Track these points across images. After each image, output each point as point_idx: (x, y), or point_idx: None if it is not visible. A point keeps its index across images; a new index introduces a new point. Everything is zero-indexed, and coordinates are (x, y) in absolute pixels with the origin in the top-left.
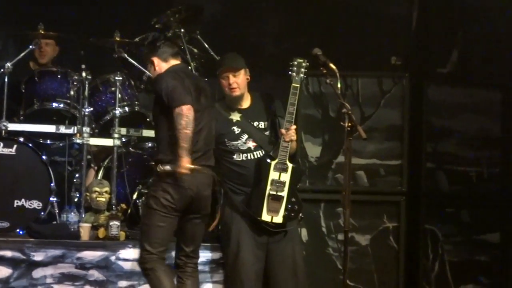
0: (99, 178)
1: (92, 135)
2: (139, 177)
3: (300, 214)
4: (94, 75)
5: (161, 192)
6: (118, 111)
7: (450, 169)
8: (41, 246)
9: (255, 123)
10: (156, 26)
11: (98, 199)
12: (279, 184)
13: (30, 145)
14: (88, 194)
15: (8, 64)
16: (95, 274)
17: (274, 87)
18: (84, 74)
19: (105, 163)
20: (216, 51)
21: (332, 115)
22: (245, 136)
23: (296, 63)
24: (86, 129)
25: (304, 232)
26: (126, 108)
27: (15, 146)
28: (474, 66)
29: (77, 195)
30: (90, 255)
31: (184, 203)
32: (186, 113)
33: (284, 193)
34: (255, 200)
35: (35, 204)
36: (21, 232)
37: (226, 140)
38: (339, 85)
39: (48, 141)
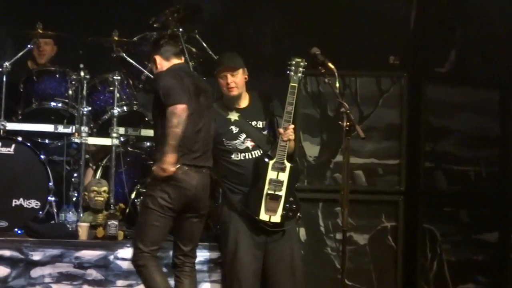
0: (97, 177)
1: (90, 134)
2: (138, 176)
3: (298, 214)
4: (93, 74)
5: (159, 192)
6: (116, 111)
7: (448, 168)
8: (39, 246)
9: (253, 123)
10: (155, 25)
11: (96, 198)
12: (277, 183)
13: (29, 144)
14: (86, 193)
15: (7, 64)
16: (93, 274)
17: (273, 86)
18: (82, 73)
19: (103, 162)
20: (214, 50)
21: (330, 114)
22: (243, 136)
23: (294, 62)
24: (85, 129)
25: (302, 232)
26: (125, 108)
27: (13, 146)
28: (473, 65)
29: (76, 195)
30: (88, 254)
31: (181, 203)
32: (179, 112)
33: (282, 193)
34: (253, 200)
35: (33, 203)
36: (19, 232)
37: (224, 139)
38: (337, 85)
39: (47, 141)
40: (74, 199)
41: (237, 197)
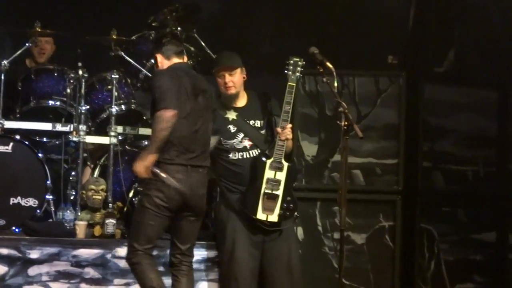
0: (95, 176)
1: (88, 133)
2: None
3: (296, 213)
4: (91, 73)
5: (155, 191)
6: (114, 109)
7: (446, 168)
8: (37, 244)
9: (251, 122)
10: (153, 24)
11: (94, 197)
12: (274, 182)
13: (26, 142)
14: (84, 192)
15: (5, 62)
16: (90, 272)
17: (271, 85)
18: (80, 72)
19: (101, 161)
20: (213, 49)
21: (328, 113)
22: (241, 135)
23: (292, 62)
24: (83, 127)
25: (300, 231)
26: (123, 106)
27: (11, 144)
28: (471, 65)
29: (73, 193)
30: (86, 253)
31: (177, 202)
32: (167, 118)
33: (280, 192)
34: (251, 199)
35: (31, 202)
36: (17, 230)
37: (222, 138)
38: (335, 84)
39: (44, 139)
40: (72, 197)
41: (235, 196)
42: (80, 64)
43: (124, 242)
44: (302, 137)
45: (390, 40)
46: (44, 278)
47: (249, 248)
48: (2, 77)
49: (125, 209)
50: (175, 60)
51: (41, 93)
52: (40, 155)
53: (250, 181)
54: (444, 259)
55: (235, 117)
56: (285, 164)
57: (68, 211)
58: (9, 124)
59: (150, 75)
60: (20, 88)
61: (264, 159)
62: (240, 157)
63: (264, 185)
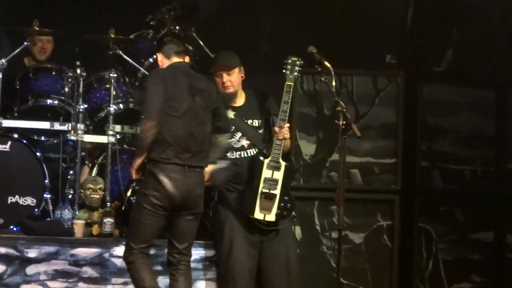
0: (93, 175)
1: (86, 132)
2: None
3: (293, 213)
4: (89, 72)
5: (151, 190)
6: (112, 108)
7: (444, 167)
8: (34, 243)
9: (249, 121)
10: (151, 23)
11: (92, 196)
12: (272, 182)
13: (24, 141)
14: (82, 191)
15: (3, 60)
16: (88, 271)
17: (269, 85)
18: (78, 71)
19: (99, 160)
20: (211, 48)
21: (326, 113)
22: (239, 134)
23: (290, 61)
24: (81, 126)
25: (298, 230)
26: (121, 105)
27: (9, 143)
28: (469, 64)
29: (71, 192)
30: (83, 252)
31: (173, 201)
32: (145, 128)
33: (277, 191)
34: (248, 198)
35: (29, 200)
36: (14, 229)
37: None
38: (333, 83)
39: (43, 138)
40: (70, 196)
41: (232, 196)
42: (78, 63)
43: (122, 241)
44: (300, 136)
45: (389, 40)
46: (42, 277)
47: (247, 248)
48: (0, 76)
49: (123, 208)
50: (175, 59)
51: (39, 91)
52: (38, 154)
53: (247, 181)
54: (442, 259)
55: (233, 116)
56: (283, 164)
57: (66, 210)
58: (7, 123)
59: (148, 74)
60: (18, 87)
61: (261, 158)
62: (237, 156)
63: (261, 185)
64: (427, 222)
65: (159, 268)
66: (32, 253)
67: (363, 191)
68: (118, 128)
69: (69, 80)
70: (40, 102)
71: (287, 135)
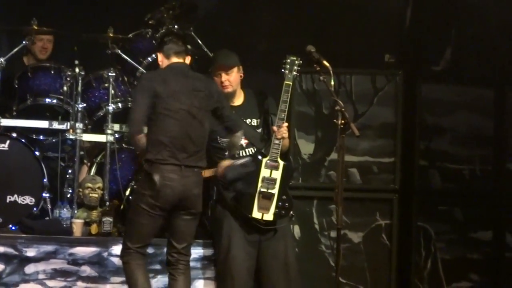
0: (92, 174)
1: (85, 131)
2: (132, 173)
3: (291, 212)
4: (88, 71)
5: (148, 190)
6: (111, 107)
7: (443, 166)
8: (33, 242)
9: (248, 120)
10: (150, 22)
11: (90, 195)
12: (270, 181)
13: (23, 140)
14: (81, 190)
15: (1, 59)
16: (87, 270)
17: (268, 84)
18: (77, 70)
19: (98, 159)
20: (210, 47)
21: (325, 112)
22: None
23: (289, 60)
24: (79, 125)
25: (296, 229)
26: (119, 104)
27: (8, 142)
28: (468, 64)
29: (70, 191)
30: (82, 251)
31: (170, 201)
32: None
33: (275, 191)
34: (246, 197)
35: (28, 199)
36: (13, 228)
37: (218, 137)
38: (332, 83)
39: (41, 137)
40: (68, 195)
41: (231, 195)
42: (76, 62)
43: (120, 240)
44: (299, 136)
45: (387, 39)
46: (41, 276)
47: (245, 247)
48: None
49: (121, 207)
50: (174, 59)
51: (37, 91)
52: (36, 153)
53: (246, 180)
54: (441, 258)
55: None
56: (281, 163)
57: (64, 209)
58: (6, 122)
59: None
60: (16, 86)
61: (260, 157)
62: (236, 155)
63: (259, 184)
64: (426, 221)
65: (158, 267)
66: (30, 252)
67: (361, 190)
68: (116, 127)
69: (68, 79)
70: (38, 101)
71: (286, 134)
